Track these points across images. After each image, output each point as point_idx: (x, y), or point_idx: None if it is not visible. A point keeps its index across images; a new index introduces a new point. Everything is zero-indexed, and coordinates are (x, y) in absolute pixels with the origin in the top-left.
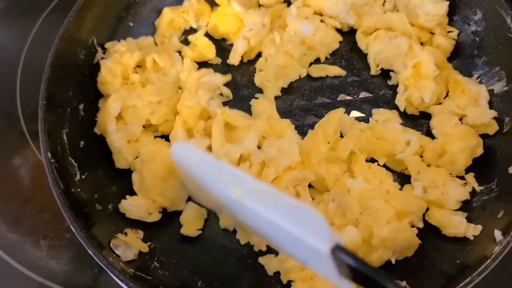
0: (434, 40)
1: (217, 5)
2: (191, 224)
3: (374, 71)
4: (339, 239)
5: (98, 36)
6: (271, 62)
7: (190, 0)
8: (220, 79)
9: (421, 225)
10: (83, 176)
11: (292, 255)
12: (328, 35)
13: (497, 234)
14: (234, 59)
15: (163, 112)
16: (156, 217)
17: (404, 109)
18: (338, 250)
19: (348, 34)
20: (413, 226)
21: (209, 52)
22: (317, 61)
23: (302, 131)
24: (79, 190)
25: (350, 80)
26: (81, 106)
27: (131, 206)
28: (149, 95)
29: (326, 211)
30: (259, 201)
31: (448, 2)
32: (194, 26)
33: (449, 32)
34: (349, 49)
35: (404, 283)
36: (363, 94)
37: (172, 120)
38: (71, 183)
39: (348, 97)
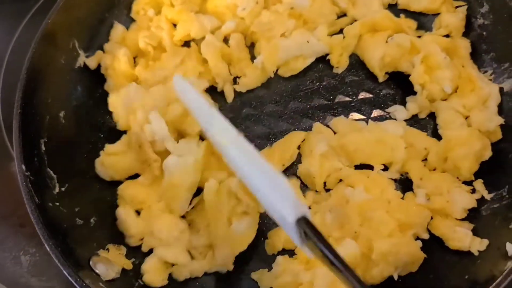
0: (442, 20)
1: None
2: (154, 274)
3: (381, 78)
4: (307, 211)
5: (79, 39)
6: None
7: None
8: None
9: (426, 236)
10: (63, 189)
11: (266, 210)
12: (326, 5)
13: (510, 247)
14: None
15: (192, 66)
16: None
17: None
18: (303, 222)
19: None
20: (417, 238)
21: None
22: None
23: None
24: (57, 204)
25: (348, 80)
26: (61, 114)
27: None
28: (170, 61)
29: (323, 223)
30: (241, 156)
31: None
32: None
33: (457, 7)
34: None
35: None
36: (362, 95)
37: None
38: (48, 196)
39: (347, 98)
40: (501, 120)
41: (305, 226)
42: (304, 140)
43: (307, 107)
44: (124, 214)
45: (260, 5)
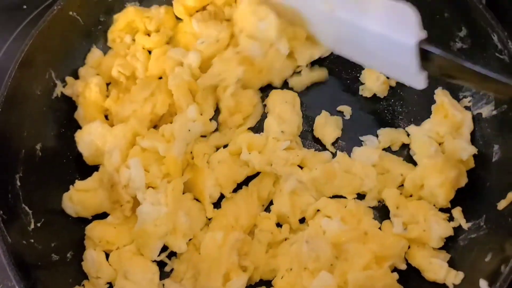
0: None
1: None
2: None
3: None
4: (425, 35)
5: (56, 69)
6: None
7: (159, 8)
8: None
9: (403, 267)
10: (39, 224)
11: (374, 59)
12: (280, 59)
13: (483, 284)
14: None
15: (162, 99)
16: None
17: None
18: (424, 43)
19: None
20: (395, 268)
21: (162, 37)
22: None
23: None
24: (32, 241)
25: None
26: (38, 146)
27: None
28: (139, 93)
29: (299, 254)
30: (350, 10)
31: None
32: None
33: None
34: None
35: None
36: None
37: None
38: (22, 234)
39: None
40: (474, 150)
41: (428, 45)
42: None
43: None
44: (93, 256)
45: (221, 43)
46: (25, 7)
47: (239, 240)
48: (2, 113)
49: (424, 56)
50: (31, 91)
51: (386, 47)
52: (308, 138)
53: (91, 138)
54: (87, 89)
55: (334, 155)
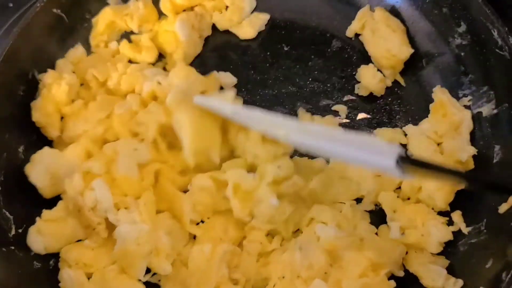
0: None
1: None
2: None
3: None
4: (399, 149)
5: (40, 68)
6: None
7: (137, 3)
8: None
9: (401, 273)
10: (20, 230)
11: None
12: None
13: None
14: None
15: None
16: None
17: None
18: (401, 161)
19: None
20: (392, 276)
21: (150, 55)
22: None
23: None
24: (12, 248)
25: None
26: (21, 149)
27: None
28: (94, 114)
29: (292, 261)
30: (311, 138)
31: (412, 51)
32: (135, 31)
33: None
34: None
35: None
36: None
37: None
38: (3, 240)
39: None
40: (473, 151)
41: (404, 163)
42: None
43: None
44: (71, 275)
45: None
46: (11, 5)
47: (228, 252)
48: None
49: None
50: (13, 92)
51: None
52: None
53: (42, 167)
54: (56, 84)
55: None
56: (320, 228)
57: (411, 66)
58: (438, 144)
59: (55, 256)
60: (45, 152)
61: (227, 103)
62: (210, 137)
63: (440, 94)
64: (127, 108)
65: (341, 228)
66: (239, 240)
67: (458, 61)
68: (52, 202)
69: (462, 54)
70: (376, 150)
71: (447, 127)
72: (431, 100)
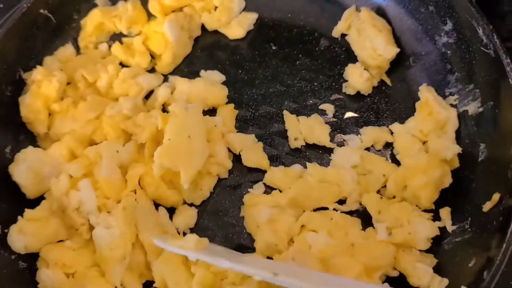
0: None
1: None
2: None
3: None
4: None
5: (26, 68)
6: None
7: (126, 4)
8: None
9: (395, 273)
10: (6, 230)
11: None
12: None
13: None
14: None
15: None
16: None
17: None
18: None
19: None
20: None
21: (144, 60)
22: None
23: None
24: None
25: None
26: (8, 149)
27: None
28: (84, 114)
29: None
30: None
31: (398, 50)
32: (125, 32)
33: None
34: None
35: None
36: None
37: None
38: None
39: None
40: (458, 149)
41: None
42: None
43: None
44: (49, 276)
45: None
46: (1, 5)
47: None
48: None
49: None
50: (0, 92)
51: None
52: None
53: (26, 165)
54: (46, 81)
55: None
56: (311, 237)
57: (398, 65)
58: (424, 143)
59: None
60: (29, 151)
61: (189, 249)
62: (186, 157)
63: (426, 93)
64: (118, 110)
65: (332, 236)
66: None
67: (444, 59)
68: (37, 203)
69: (448, 52)
70: None
71: (433, 125)
72: (418, 99)
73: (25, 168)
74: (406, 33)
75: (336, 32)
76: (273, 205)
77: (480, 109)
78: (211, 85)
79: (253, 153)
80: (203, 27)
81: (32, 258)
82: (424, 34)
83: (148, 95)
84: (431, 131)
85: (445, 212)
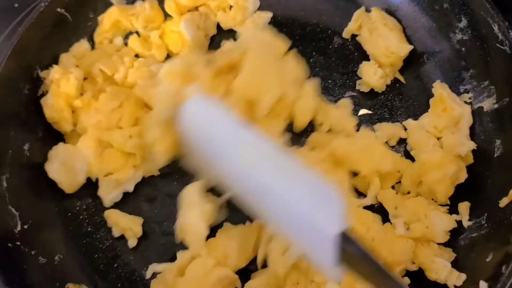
0: None
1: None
2: None
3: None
4: (348, 226)
5: (44, 67)
6: None
7: (143, 3)
8: None
9: (415, 267)
10: (26, 226)
11: (289, 235)
12: None
13: (483, 286)
14: None
15: (129, 112)
16: None
17: None
18: (344, 238)
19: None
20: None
21: (160, 53)
22: None
23: None
24: (18, 243)
25: None
26: (26, 146)
27: None
28: (106, 104)
29: (305, 267)
30: (273, 171)
31: (411, 47)
32: (141, 31)
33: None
34: None
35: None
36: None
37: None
38: (8, 236)
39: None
40: (473, 145)
41: (348, 242)
42: None
43: None
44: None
45: None
46: (16, 5)
47: (229, 278)
48: None
49: (341, 249)
50: (19, 90)
51: (300, 224)
52: None
53: (59, 162)
54: (64, 79)
55: None
56: None
57: (412, 62)
58: (438, 139)
59: (61, 251)
60: (59, 147)
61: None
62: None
63: (439, 89)
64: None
65: (355, 231)
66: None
67: (458, 56)
68: (53, 199)
69: (463, 49)
70: (330, 207)
71: (447, 121)
72: (432, 96)
73: (59, 165)
74: (420, 30)
75: (346, 33)
76: None
77: (496, 106)
78: None
79: None
80: (218, 26)
81: (51, 254)
82: (438, 31)
83: None
84: (445, 128)
85: (463, 207)
